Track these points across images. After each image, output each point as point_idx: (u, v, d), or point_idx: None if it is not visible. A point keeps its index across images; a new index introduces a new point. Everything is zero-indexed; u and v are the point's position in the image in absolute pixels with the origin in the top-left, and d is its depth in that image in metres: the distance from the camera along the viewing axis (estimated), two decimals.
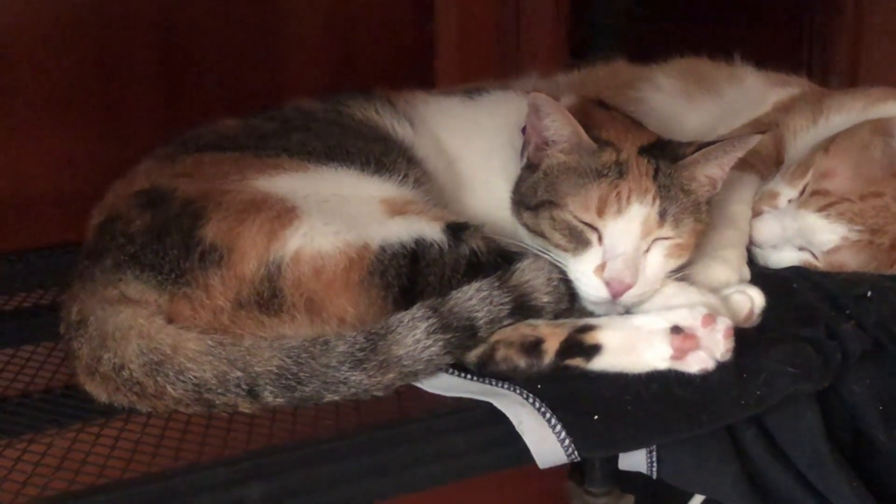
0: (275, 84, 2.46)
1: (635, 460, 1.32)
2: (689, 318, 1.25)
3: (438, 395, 1.25)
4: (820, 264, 1.52)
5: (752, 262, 1.57)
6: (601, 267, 1.32)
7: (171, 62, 2.32)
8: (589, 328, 1.26)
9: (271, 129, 1.48)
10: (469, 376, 1.27)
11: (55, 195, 2.18)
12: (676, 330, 1.24)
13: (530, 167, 1.41)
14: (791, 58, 3.34)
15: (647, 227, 1.32)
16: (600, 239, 1.33)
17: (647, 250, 1.33)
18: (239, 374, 1.21)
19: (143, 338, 1.23)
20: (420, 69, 2.66)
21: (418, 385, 1.26)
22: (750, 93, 1.90)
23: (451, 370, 1.28)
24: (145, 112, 2.30)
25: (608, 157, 1.35)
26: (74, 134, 2.24)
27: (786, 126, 1.72)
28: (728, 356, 1.25)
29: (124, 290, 1.27)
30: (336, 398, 1.23)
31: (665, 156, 1.36)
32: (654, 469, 1.32)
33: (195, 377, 1.21)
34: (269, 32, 2.44)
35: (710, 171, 1.37)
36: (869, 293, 1.42)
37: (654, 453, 1.30)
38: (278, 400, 1.21)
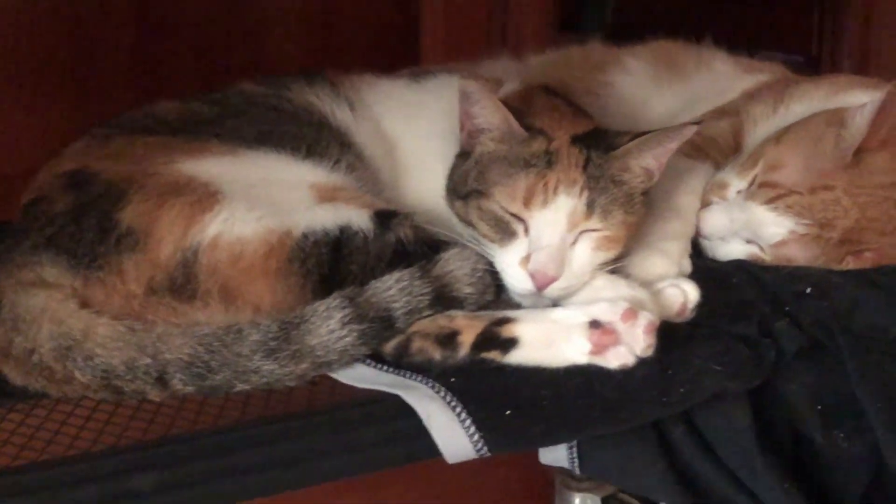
0: (253, 61, 2.44)
1: (557, 455, 1.30)
2: (608, 313, 1.22)
3: (352, 386, 1.22)
4: (767, 258, 1.49)
5: (700, 254, 1.54)
6: (526, 258, 1.29)
7: (146, 38, 2.31)
8: (506, 321, 1.24)
9: (209, 113, 1.47)
10: (385, 367, 1.25)
11: (28, 172, 2.17)
12: (595, 324, 1.22)
13: (463, 154, 1.39)
14: (802, 42, 3.29)
15: (573, 219, 1.29)
16: (526, 230, 1.30)
17: (574, 242, 1.30)
18: (148, 360, 1.20)
19: (54, 322, 1.22)
20: (405, 48, 2.62)
21: (333, 375, 1.24)
22: (719, 79, 1.86)
23: (367, 361, 1.25)
24: (120, 89, 2.29)
25: (538, 146, 1.32)
26: (48, 111, 2.23)
27: (746, 114, 1.68)
28: (649, 352, 1.22)
29: (41, 273, 1.26)
30: (247, 387, 1.21)
31: (598, 145, 1.33)
32: (576, 465, 1.29)
33: (104, 363, 1.19)
34: (248, 8, 2.42)
35: (645, 161, 1.34)
36: (809, 290, 1.38)
37: (575, 449, 1.28)
38: (188, 388, 1.20)
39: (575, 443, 1.28)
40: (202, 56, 2.36)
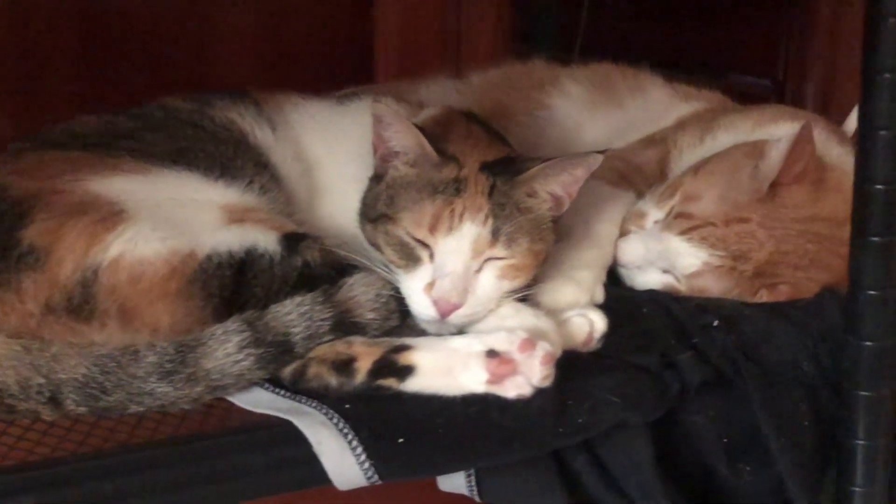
0: (203, 75, 2.44)
1: (456, 482, 1.30)
2: (505, 343, 1.22)
3: (247, 410, 1.22)
4: (682, 288, 1.49)
5: (618, 282, 1.54)
6: (431, 285, 1.29)
7: (93, 51, 2.31)
8: (404, 348, 1.23)
9: (127, 128, 1.46)
10: (282, 392, 1.24)
11: None
12: (493, 354, 1.21)
13: (376, 178, 1.39)
14: (769, 67, 3.30)
15: (478, 247, 1.29)
16: (432, 256, 1.30)
17: (479, 270, 1.30)
18: (42, 380, 1.19)
19: None
20: (359, 63, 2.62)
21: (230, 399, 1.23)
22: (653, 106, 1.87)
23: (266, 385, 1.25)
24: (65, 97, 2.29)
25: (448, 172, 1.32)
26: None
27: (673, 143, 1.68)
28: (546, 383, 1.22)
29: None
30: (141, 409, 1.20)
31: (506, 172, 1.33)
32: (475, 492, 1.29)
33: None
34: (199, 21, 2.41)
35: (551, 188, 1.34)
36: (716, 322, 1.38)
37: (473, 477, 1.28)
38: (81, 409, 1.20)
39: (473, 470, 1.27)
40: (152, 70, 2.36)
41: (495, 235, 1.29)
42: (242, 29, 2.49)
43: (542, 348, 1.22)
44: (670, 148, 1.67)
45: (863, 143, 1.30)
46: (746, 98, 2.26)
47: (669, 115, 1.82)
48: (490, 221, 1.29)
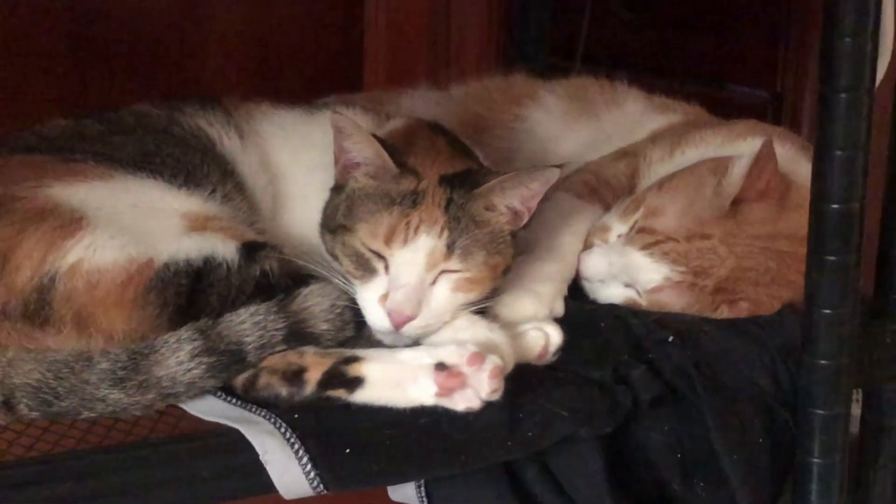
0: (191, 78, 2.45)
1: (406, 493, 1.31)
2: (454, 356, 1.23)
3: (199, 418, 1.23)
4: (644, 303, 1.49)
5: (581, 295, 1.54)
6: (385, 296, 1.30)
7: (80, 50, 2.31)
8: (354, 360, 1.24)
9: (95, 132, 1.48)
10: (234, 401, 1.26)
11: None
12: (441, 367, 1.22)
13: (337, 188, 1.40)
14: (768, 78, 3.29)
15: (432, 259, 1.30)
16: (387, 268, 1.31)
17: (434, 282, 1.31)
18: None
19: None
20: (348, 71, 2.64)
21: (183, 406, 1.25)
22: (628, 119, 1.87)
23: (219, 393, 1.26)
24: (52, 100, 2.30)
25: (407, 184, 1.33)
26: None
27: (643, 157, 1.69)
28: (495, 396, 1.23)
29: None
30: (93, 415, 1.22)
31: (464, 185, 1.33)
32: (425, 503, 1.30)
33: None
34: (188, 25, 2.43)
35: (509, 202, 1.34)
36: (671, 338, 1.39)
37: (423, 488, 1.29)
38: (33, 413, 1.21)
39: (423, 481, 1.28)
40: (136, 75, 2.37)
41: (450, 248, 1.30)
42: (232, 34, 2.50)
43: (492, 362, 1.22)
44: (640, 162, 1.68)
45: (818, 162, 1.31)
46: (745, 109, 2.26)
47: (644, 128, 1.82)
48: (445, 234, 1.30)
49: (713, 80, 2.80)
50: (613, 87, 1.95)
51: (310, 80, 2.58)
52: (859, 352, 1.50)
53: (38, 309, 1.25)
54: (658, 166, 1.66)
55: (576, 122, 1.90)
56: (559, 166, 1.33)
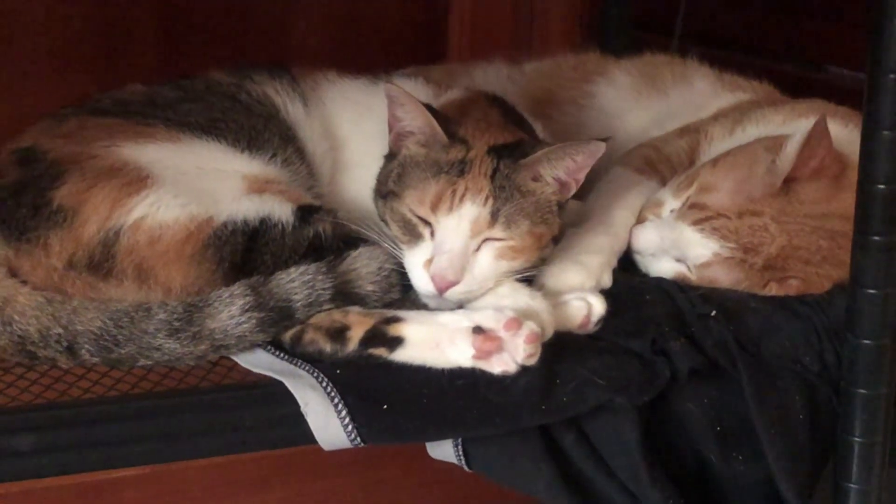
0: (278, 47, 2.51)
1: (445, 451, 1.35)
2: (492, 320, 1.26)
3: (247, 369, 1.29)
4: (693, 278, 1.51)
5: (635, 269, 1.57)
6: (430, 261, 1.34)
7: (170, 20, 2.40)
8: (395, 320, 1.29)
9: (169, 98, 1.54)
10: (281, 355, 1.31)
11: None
12: (479, 330, 1.26)
13: (390, 156, 1.44)
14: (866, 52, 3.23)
15: (476, 227, 1.33)
16: (433, 234, 1.35)
17: (478, 249, 1.34)
18: (60, 330, 1.28)
19: None
20: (432, 44, 2.68)
21: (234, 358, 1.31)
22: (695, 96, 1.88)
23: (268, 347, 1.32)
24: (144, 68, 2.39)
25: (455, 153, 1.37)
26: (75, 84, 2.32)
27: (704, 134, 1.69)
28: (531, 361, 1.27)
29: None
30: (149, 363, 1.29)
31: (511, 156, 1.37)
32: (463, 462, 1.34)
33: (20, 329, 1.28)
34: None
35: (555, 173, 1.37)
36: (713, 313, 1.40)
37: (461, 447, 1.33)
38: (94, 359, 1.28)
39: (460, 440, 1.32)
40: (225, 45, 2.44)
41: (494, 216, 1.33)
42: (318, 7, 2.56)
43: (528, 328, 1.26)
44: (701, 138, 1.68)
45: (865, 142, 1.31)
46: (843, 92, 2.24)
47: (711, 106, 1.83)
48: (490, 202, 1.33)
49: (811, 61, 2.77)
50: (684, 64, 1.95)
51: (394, 52, 2.62)
52: None
53: (102, 261, 1.32)
54: (718, 143, 1.67)
55: (644, 99, 1.91)
56: (605, 140, 1.35)
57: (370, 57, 2.61)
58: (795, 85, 2.00)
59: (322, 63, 2.38)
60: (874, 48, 1.27)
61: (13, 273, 1.34)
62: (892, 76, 1.27)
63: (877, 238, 1.33)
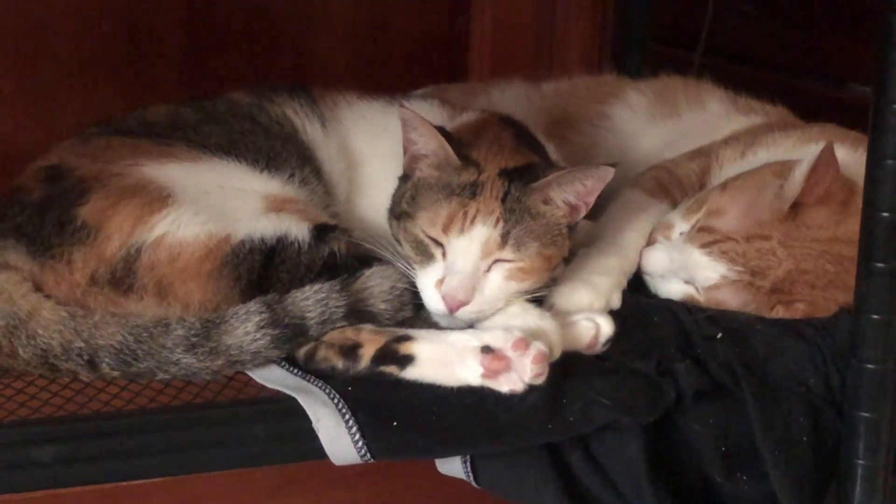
0: (302, 63, 2.56)
1: (454, 467, 1.38)
2: (500, 340, 1.30)
3: (262, 385, 1.33)
4: (702, 300, 1.53)
5: (646, 290, 1.59)
6: (441, 281, 1.37)
7: (197, 35, 2.45)
8: (406, 339, 1.33)
9: (191, 119, 1.59)
10: (295, 371, 1.35)
11: None
12: (487, 350, 1.29)
13: (405, 177, 1.48)
14: None
15: (487, 248, 1.37)
16: (444, 255, 1.38)
17: (488, 270, 1.38)
18: (82, 344, 1.32)
19: (8, 301, 1.36)
20: (453, 61, 2.72)
21: (248, 373, 1.35)
22: (709, 119, 1.90)
23: (282, 363, 1.36)
24: (171, 83, 2.44)
25: (467, 176, 1.40)
26: (105, 98, 2.38)
27: (716, 157, 1.72)
28: (538, 381, 1.30)
29: (5, 256, 1.40)
30: (167, 377, 1.33)
31: (522, 179, 1.40)
32: (472, 478, 1.38)
33: (44, 343, 1.33)
34: (301, 15, 2.54)
35: (565, 196, 1.40)
36: (720, 335, 1.43)
37: (469, 463, 1.36)
38: (114, 372, 1.33)
39: (468, 457, 1.35)
40: (250, 59, 2.50)
41: (505, 238, 1.37)
42: (342, 23, 2.60)
43: (536, 348, 1.29)
44: (712, 161, 1.71)
45: (870, 170, 1.33)
46: (865, 110, 2.25)
47: (724, 129, 1.85)
48: (500, 224, 1.37)
49: (834, 78, 2.78)
50: (698, 87, 1.98)
51: (416, 67, 2.67)
52: None
53: (123, 277, 1.37)
54: (729, 167, 1.69)
55: (658, 121, 1.94)
56: (613, 165, 1.38)
57: (393, 72, 2.66)
58: (817, 102, 2.02)
59: (345, 77, 2.44)
60: (878, 78, 1.29)
61: (38, 287, 1.38)
62: (894, 107, 1.29)
63: (881, 265, 1.35)
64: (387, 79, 2.60)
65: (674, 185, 1.69)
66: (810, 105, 1.97)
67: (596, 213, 1.61)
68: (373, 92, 1.72)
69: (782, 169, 1.54)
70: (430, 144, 1.42)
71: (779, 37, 3.06)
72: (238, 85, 1.94)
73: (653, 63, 2.78)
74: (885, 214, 1.33)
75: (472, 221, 1.37)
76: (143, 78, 2.43)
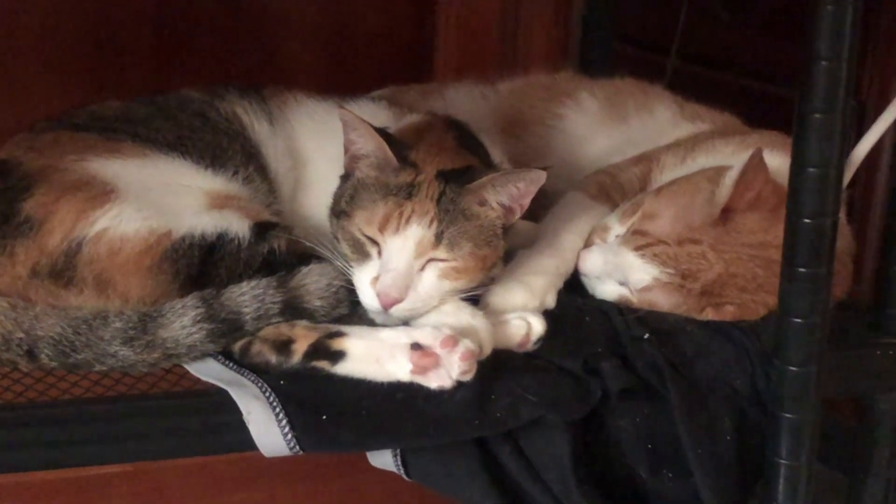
0: (270, 62, 2.60)
1: (385, 460, 1.42)
2: (429, 337, 1.33)
3: (197, 378, 1.37)
4: (634, 301, 1.57)
5: (580, 290, 1.63)
6: (376, 279, 1.41)
7: (165, 32, 2.48)
8: (338, 334, 1.36)
9: (141, 114, 1.62)
10: (230, 364, 1.38)
11: None
12: (417, 346, 1.33)
13: (345, 177, 1.51)
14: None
15: (421, 248, 1.40)
16: (380, 253, 1.42)
17: (422, 269, 1.41)
18: (22, 335, 1.36)
19: None
20: (419, 63, 2.75)
21: (185, 366, 1.38)
22: (656, 124, 1.94)
23: (218, 356, 1.39)
24: (139, 79, 2.48)
25: (405, 177, 1.44)
26: (72, 94, 2.41)
27: (657, 162, 1.75)
28: (466, 377, 1.33)
29: None
30: (104, 368, 1.36)
31: (459, 181, 1.43)
32: (402, 471, 1.41)
33: None
34: (266, 12, 2.58)
35: (499, 198, 1.44)
36: (647, 335, 1.47)
37: (399, 457, 1.40)
38: (53, 363, 1.36)
39: (398, 451, 1.39)
40: (219, 58, 2.53)
41: (438, 238, 1.40)
42: (309, 23, 2.63)
43: (464, 345, 1.33)
44: (653, 167, 1.74)
45: (793, 179, 1.37)
46: None
47: (671, 134, 1.88)
48: (435, 225, 1.40)
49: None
50: (647, 92, 2.01)
51: (383, 69, 2.70)
52: (854, 363, 1.57)
53: (63, 270, 1.40)
54: (669, 172, 1.73)
55: (606, 125, 1.97)
56: (545, 168, 1.42)
57: (360, 72, 2.70)
58: (790, 108, 2.05)
59: (313, 76, 2.47)
60: (801, 92, 1.33)
61: None
62: (817, 116, 1.33)
63: (803, 270, 1.39)
64: (354, 78, 2.64)
65: (615, 188, 1.72)
66: (783, 111, 2.00)
67: (539, 214, 1.64)
68: (334, 92, 1.75)
69: (715, 175, 1.58)
70: (370, 145, 1.45)
71: (752, 43, 3.09)
72: (205, 80, 1.97)
73: (625, 66, 2.82)
74: (808, 221, 1.37)
75: (408, 221, 1.40)
76: (111, 74, 2.47)
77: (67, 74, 2.44)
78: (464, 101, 2.10)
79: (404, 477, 1.43)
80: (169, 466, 2.26)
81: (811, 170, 1.35)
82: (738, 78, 2.84)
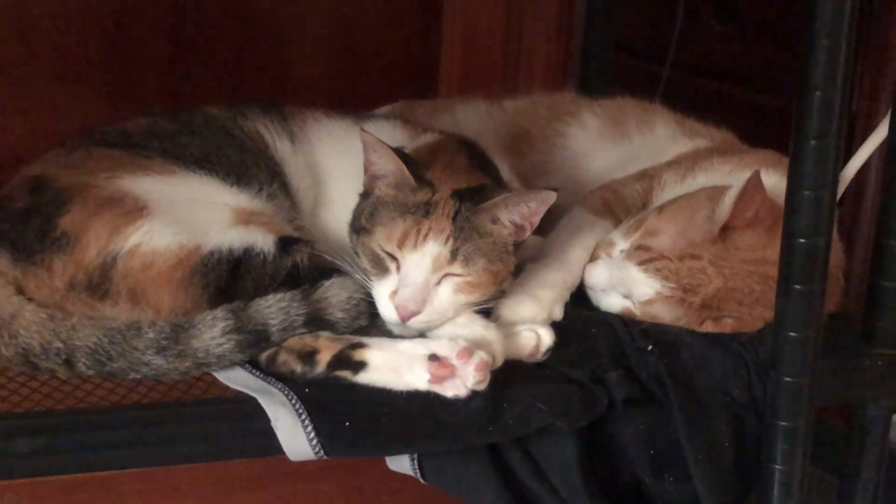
0: (280, 77, 2.67)
1: (402, 464, 1.50)
2: (446, 349, 1.41)
3: (226, 385, 1.44)
4: (638, 313, 1.65)
5: (585, 302, 1.71)
6: (395, 293, 1.49)
7: (180, 42, 2.55)
8: (360, 346, 1.44)
9: (167, 132, 1.69)
10: (257, 373, 1.46)
11: None
12: (434, 357, 1.41)
13: (365, 194, 1.59)
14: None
15: (437, 263, 1.48)
16: (398, 268, 1.50)
17: (438, 283, 1.49)
18: (60, 345, 1.43)
19: None
20: (424, 77, 2.83)
21: (215, 375, 1.46)
22: (657, 141, 2.02)
23: (246, 365, 1.47)
24: (153, 90, 2.55)
25: (422, 196, 1.52)
26: (87, 104, 2.49)
27: (658, 179, 1.83)
28: (480, 387, 1.41)
29: None
30: (138, 376, 1.44)
31: (473, 200, 1.51)
32: (419, 474, 1.49)
33: (24, 342, 1.43)
34: (278, 27, 2.65)
35: (511, 217, 1.51)
36: (650, 347, 1.55)
37: (416, 461, 1.48)
38: (89, 371, 1.43)
39: (416, 455, 1.47)
40: (231, 69, 2.61)
41: (454, 254, 1.48)
42: (318, 38, 2.71)
43: (479, 356, 1.41)
44: (654, 184, 1.82)
45: (789, 200, 1.45)
46: None
47: (670, 151, 1.96)
48: (450, 242, 1.48)
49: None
50: (647, 109, 2.09)
51: (389, 82, 2.78)
52: (846, 373, 1.66)
53: (99, 283, 1.48)
54: (670, 189, 1.81)
55: (608, 142, 2.05)
56: (555, 190, 1.50)
57: (366, 86, 2.78)
58: (784, 119, 2.12)
59: (320, 89, 2.55)
60: (797, 115, 1.41)
61: (20, 291, 1.49)
62: (812, 142, 1.41)
63: (798, 286, 1.47)
64: (360, 92, 2.72)
65: (618, 204, 1.80)
66: (777, 122, 2.08)
67: (545, 229, 1.73)
68: (342, 109, 1.83)
69: (715, 194, 1.66)
70: (389, 166, 1.53)
71: (747, 53, 3.17)
72: (218, 92, 2.05)
73: (621, 75, 2.90)
74: (802, 240, 1.45)
75: (425, 238, 1.48)
76: (125, 82, 2.54)
77: (82, 84, 2.51)
78: (472, 118, 2.18)
79: (420, 480, 1.50)
80: (174, 468, 2.32)
81: (806, 193, 1.44)
82: (732, 88, 2.92)
